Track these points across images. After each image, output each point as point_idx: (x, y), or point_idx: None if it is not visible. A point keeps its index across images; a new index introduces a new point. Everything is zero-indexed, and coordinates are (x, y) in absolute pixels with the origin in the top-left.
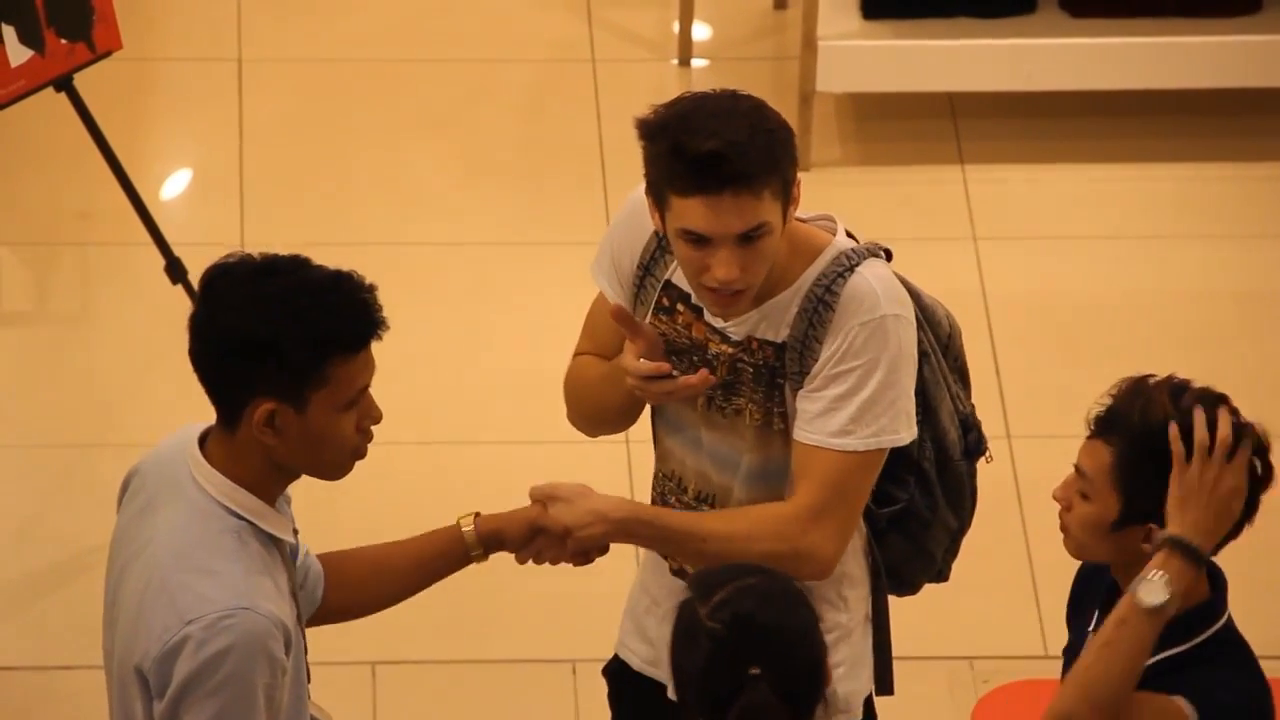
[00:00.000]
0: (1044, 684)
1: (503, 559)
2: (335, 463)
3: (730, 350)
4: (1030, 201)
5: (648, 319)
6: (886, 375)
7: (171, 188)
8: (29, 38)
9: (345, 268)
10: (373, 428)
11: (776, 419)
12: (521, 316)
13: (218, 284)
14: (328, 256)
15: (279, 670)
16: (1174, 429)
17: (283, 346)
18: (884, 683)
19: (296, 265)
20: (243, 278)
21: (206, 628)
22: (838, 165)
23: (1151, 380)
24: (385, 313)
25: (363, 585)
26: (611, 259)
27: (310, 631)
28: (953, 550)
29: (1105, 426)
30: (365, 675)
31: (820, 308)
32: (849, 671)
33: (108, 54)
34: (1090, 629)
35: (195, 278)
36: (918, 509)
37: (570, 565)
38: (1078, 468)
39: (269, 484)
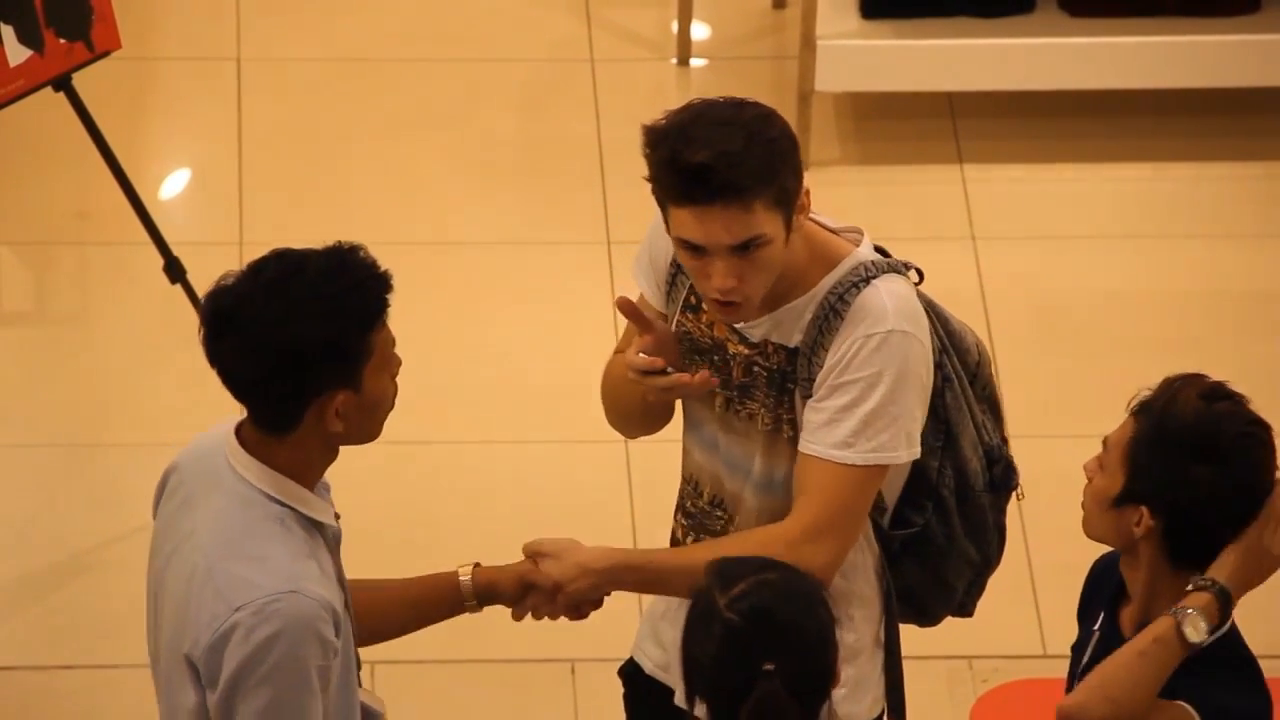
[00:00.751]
0: (1043, 683)
1: (503, 559)
2: (380, 423)
3: (747, 352)
4: (1029, 201)
5: (676, 316)
6: (891, 391)
7: (170, 187)
8: (28, 37)
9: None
10: None
11: (786, 425)
12: (520, 316)
13: (241, 308)
14: None
15: (330, 651)
16: (1277, 492)
17: (340, 339)
18: (896, 709)
19: (295, 260)
20: (262, 292)
21: (255, 613)
22: (836, 165)
23: (1195, 378)
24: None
25: (358, 621)
26: (649, 256)
27: None
28: (977, 585)
29: (1139, 407)
30: (365, 675)
31: (831, 316)
32: (851, 693)
33: (106, 54)
34: (1095, 628)
35: (194, 277)
36: (934, 536)
37: (566, 620)
38: (1105, 440)
39: (314, 471)
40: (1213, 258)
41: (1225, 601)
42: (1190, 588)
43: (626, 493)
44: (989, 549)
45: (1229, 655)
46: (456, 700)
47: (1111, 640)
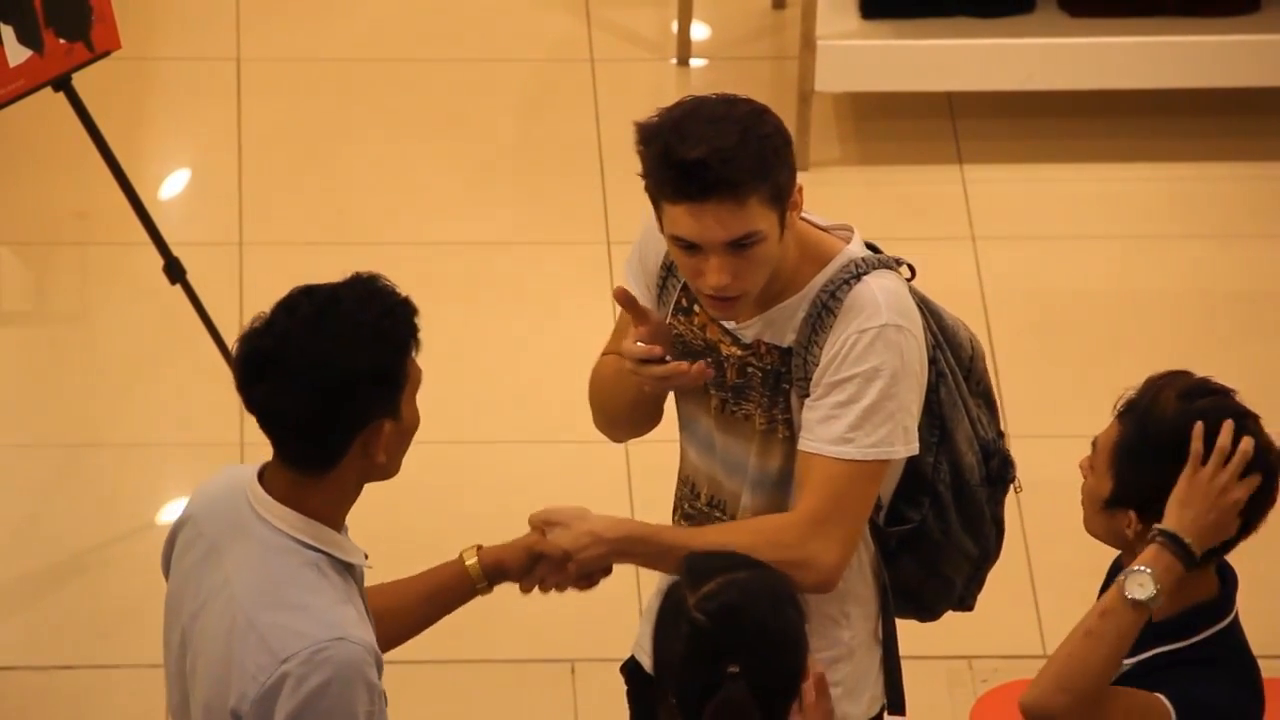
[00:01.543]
0: None
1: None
2: (406, 450)
3: (740, 353)
4: (1029, 201)
5: (667, 319)
6: (888, 385)
7: (170, 187)
8: (27, 37)
9: (333, 267)
10: None
11: (781, 426)
12: (520, 316)
13: (283, 347)
14: (325, 256)
15: (377, 696)
16: (1199, 427)
17: (386, 366)
18: (896, 703)
19: (327, 294)
20: (303, 328)
21: (303, 663)
22: (836, 165)
23: (1177, 376)
24: None
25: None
26: (640, 258)
27: None
28: (976, 579)
29: (1125, 408)
30: None
31: (823, 313)
32: (847, 693)
33: (106, 54)
34: None
35: (194, 277)
36: (930, 531)
37: (575, 590)
38: (1094, 441)
39: (343, 512)
40: (1213, 258)
41: (1178, 546)
42: (1130, 539)
43: (626, 493)
44: (987, 543)
45: (1221, 654)
46: (456, 700)
47: None
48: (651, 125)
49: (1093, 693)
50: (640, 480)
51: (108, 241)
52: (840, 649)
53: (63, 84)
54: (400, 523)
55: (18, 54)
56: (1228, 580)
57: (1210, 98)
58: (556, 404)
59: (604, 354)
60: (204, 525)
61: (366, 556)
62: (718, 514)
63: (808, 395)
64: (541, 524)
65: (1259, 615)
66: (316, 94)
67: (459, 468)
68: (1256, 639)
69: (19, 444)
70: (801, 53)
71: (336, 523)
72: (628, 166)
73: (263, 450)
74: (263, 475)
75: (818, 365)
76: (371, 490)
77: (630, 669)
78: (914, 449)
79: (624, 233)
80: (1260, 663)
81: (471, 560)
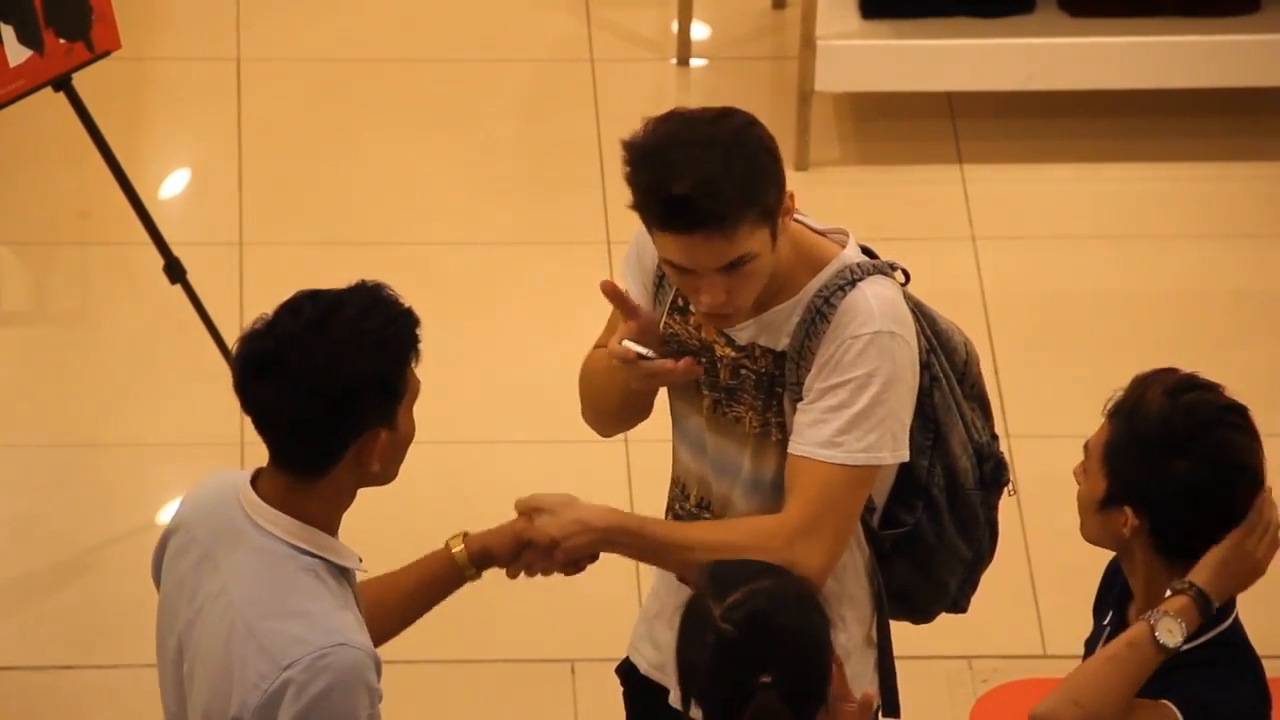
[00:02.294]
0: (1043, 684)
1: None
2: (401, 463)
3: (734, 354)
4: (1029, 201)
5: (663, 317)
6: (880, 392)
7: (170, 187)
8: (28, 37)
9: (334, 267)
10: None
11: (774, 429)
12: (519, 316)
13: (285, 349)
14: (326, 256)
15: (376, 698)
16: (1262, 497)
17: (387, 374)
18: (890, 706)
19: (331, 300)
20: (306, 332)
21: (305, 670)
22: (836, 165)
23: (1164, 373)
24: None
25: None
26: (638, 256)
27: None
28: (970, 582)
29: (1113, 409)
30: None
31: (817, 319)
32: None
33: (106, 54)
34: (1105, 624)
35: (194, 277)
36: (925, 535)
37: (562, 575)
38: (1086, 444)
39: (337, 517)
40: (1213, 258)
41: (1204, 605)
42: (1169, 592)
43: (626, 492)
44: (981, 545)
45: (1224, 655)
46: (456, 700)
47: None
48: (638, 148)
49: (1105, 713)
50: (640, 481)
51: (108, 241)
52: (837, 652)
53: (63, 84)
54: (399, 523)
55: (18, 54)
56: None
57: (1210, 98)
58: (556, 404)
59: (595, 346)
60: (196, 531)
61: (361, 560)
62: (705, 515)
63: (800, 400)
64: (529, 510)
65: (1259, 615)
66: (316, 94)
67: (459, 468)
68: (1257, 639)
69: (19, 444)
70: (801, 53)
71: (331, 527)
72: None
73: (263, 450)
74: (255, 481)
75: (810, 371)
76: (370, 490)
77: (625, 670)
78: (903, 456)
79: (624, 233)
80: (1263, 664)
81: (459, 548)
